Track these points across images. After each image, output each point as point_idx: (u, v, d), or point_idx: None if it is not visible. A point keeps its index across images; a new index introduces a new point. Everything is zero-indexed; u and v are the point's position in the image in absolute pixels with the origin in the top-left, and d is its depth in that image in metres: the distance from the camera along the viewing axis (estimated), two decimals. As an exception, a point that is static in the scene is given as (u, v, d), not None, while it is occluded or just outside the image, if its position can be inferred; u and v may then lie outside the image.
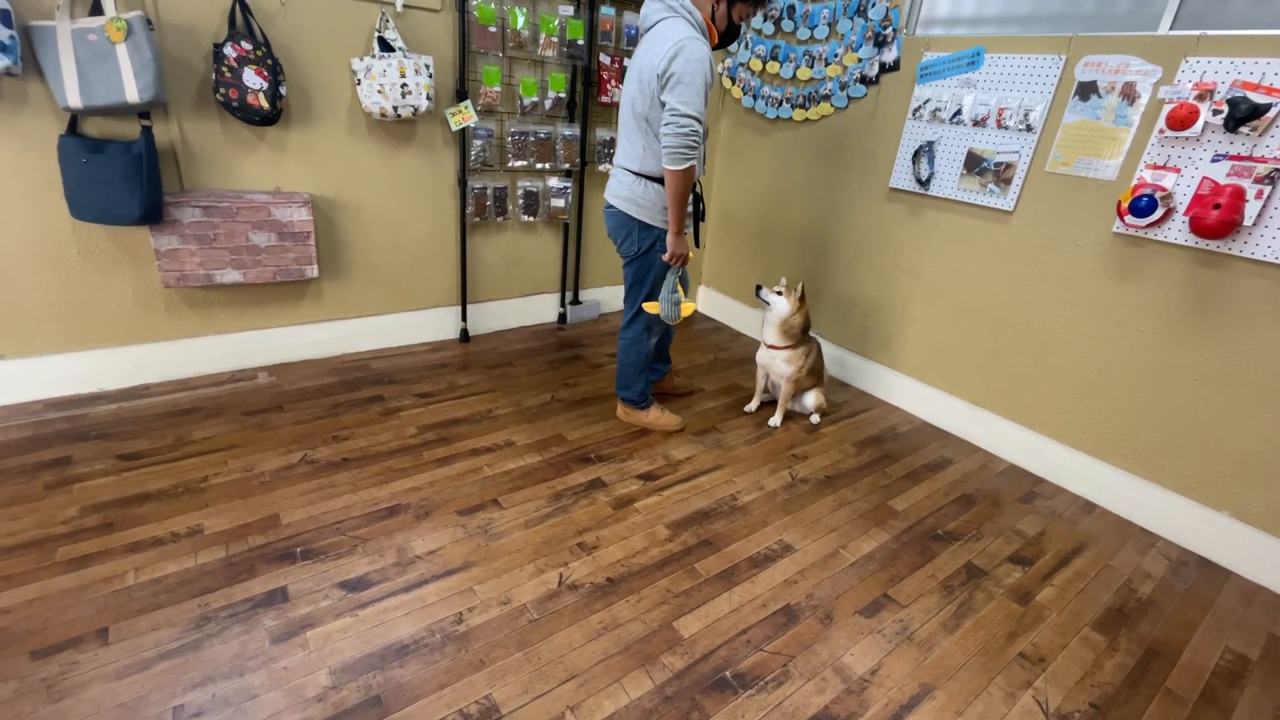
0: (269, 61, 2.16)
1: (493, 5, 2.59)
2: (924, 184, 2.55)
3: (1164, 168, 1.95)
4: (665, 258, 2.09)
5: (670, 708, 1.39)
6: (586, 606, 1.63)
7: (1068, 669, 1.60)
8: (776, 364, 2.52)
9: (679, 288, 2.16)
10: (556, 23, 2.75)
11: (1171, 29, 1.99)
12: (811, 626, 1.64)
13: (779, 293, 2.45)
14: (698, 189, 2.17)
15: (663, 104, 1.87)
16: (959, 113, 2.39)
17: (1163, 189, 1.93)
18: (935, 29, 2.55)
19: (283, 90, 2.21)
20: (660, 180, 2.01)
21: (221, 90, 2.12)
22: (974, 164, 2.39)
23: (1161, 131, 1.93)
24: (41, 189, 2.05)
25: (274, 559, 1.68)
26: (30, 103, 1.97)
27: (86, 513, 1.77)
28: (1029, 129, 2.22)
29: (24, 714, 1.24)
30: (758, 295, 2.50)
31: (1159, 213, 1.94)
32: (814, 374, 2.61)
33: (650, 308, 2.17)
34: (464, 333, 3.13)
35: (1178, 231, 1.95)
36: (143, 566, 1.61)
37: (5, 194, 2.01)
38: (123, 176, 2.00)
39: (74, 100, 1.90)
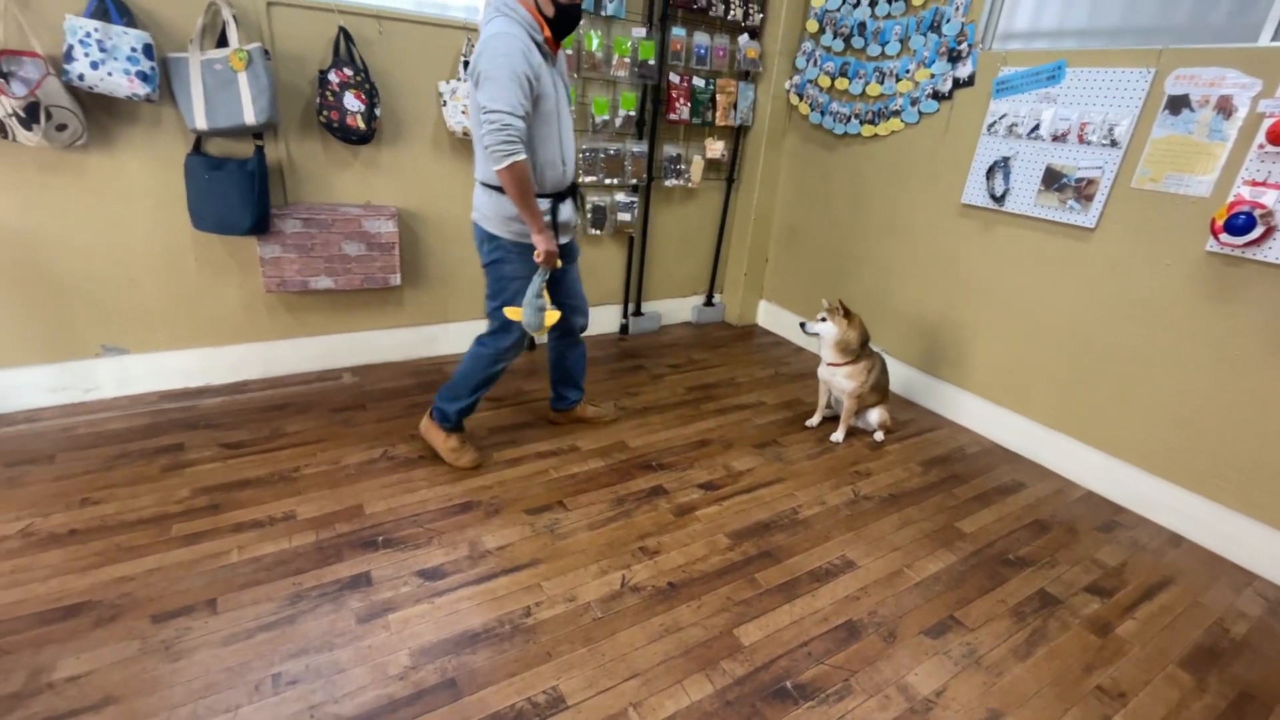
0: (367, 86, 2.34)
1: (570, 29, 2.71)
2: (999, 200, 2.50)
3: (1264, 184, 1.86)
4: (536, 257, 1.90)
5: (731, 712, 1.41)
6: (648, 608, 1.67)
7: (1150, 707, 1.52)
8: (838, 380, 2.51)
9: (545, 293, 1.95)
10: (629, 44, 2.86)
11: (1274, 40, 1.90)
12: (874, 643, 1.63)
13: (823, 319, 2.45)
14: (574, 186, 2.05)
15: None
16: (1037, 127, 2.34)
17: (1262, 206, 1.84)
18: (1014, 43, 2.51)
19: (378, 112, 2.39)
20: (499, 188, 1.85)
21: (324, 113, 2.31)
22: (1053, 180, 2.33)
23: (1261, 146, 1.84)
24: (168, 202, 2.28)
25: (358, 546, 1.80)
26: (163, 125, 2.20)
27: (196, 494, 1.95)
28: (1113, 144, 2.15)
29: (147, 670, 1.38)
30: (804, 330, 2.50)
31: (1258, 231, 1.84)
32: (878, 390, 2.57)
33: (512, 314, 1.96)
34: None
35: (1280, 251, 1.85)
36: (244, 545, 1.76)
37: (139, 206, 2.25)
38: (238, 191, 2.20)
39: (200, 122, 2.11)
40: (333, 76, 2.28)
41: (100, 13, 1.95)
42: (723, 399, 2.88)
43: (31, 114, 1.89)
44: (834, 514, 2.13)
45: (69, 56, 1.92)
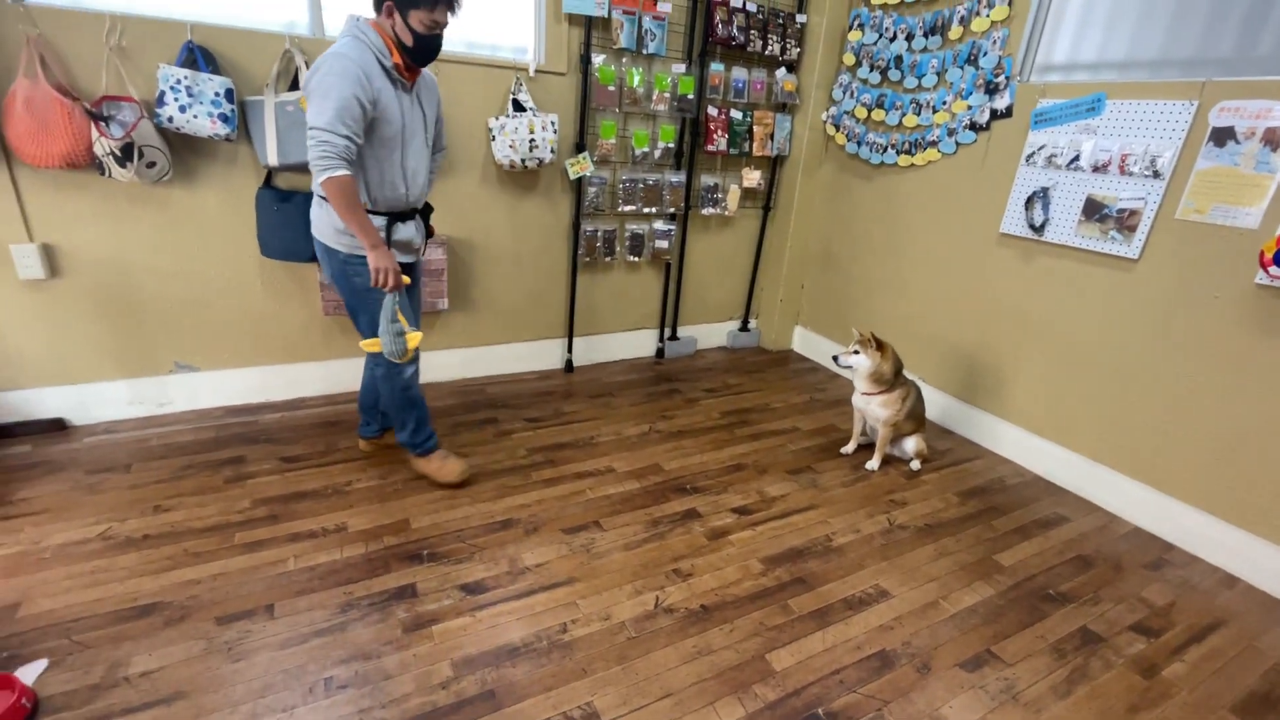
0: (423, 123, 2.49)
1: (612, 67, 2.84)
2: (1038, 230, 2.50)
3: (1316, 216, 1.82)
4: (374, 282, 1.83)
5: (762, 736, 1.43)
6: (681, 630, 1.71)
7: (1200, 753, 1.48)
8: (872, 408, 2.52)
9: (400, 317, 1.87)
10: (669, 79, 2.97)
11: (1323, 71, 1.88)
12: (908, 674, 1.62)
13: (855, 351, 2.45)
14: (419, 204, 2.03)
15: None
16: (1077, 158, 2.34)
17: (1314, 239, 1.80)
18: (1052, 75, 2.52)
19: (432, 147, 2.54)
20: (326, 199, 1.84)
21: (383, 148, 2.46)
22: (1094, 210, 2.32)
23: (1312, 178, 1.81)
24: (239, 232, 2.46)
25: (405, 558, 1.89)
26: (238, 162, 2.39)
27: (257, 505, 2.07)
28: (1156, 175, 2.14)
29: (211, 669, 1.48)
30: (836, 363, 2.51)
31: (1310, 264, 1.80)
32: (914, 418, 2.57)
33: (370, 346, 1.90)
34: (569, 363, 3.35)
35: (1334, 284, 1.80)
36: (300, 554, 1.87)
37: (214, 235, 2.44)
38: (304, 221, 2.35)
39: (273, 159, 2.29)
40: (392, 115, 2.44)
41: (189, 61, 2.15)
42: (757, 424, 2.91)
43: (126, 153, 2.08)
44: (868, 542, 2.13)
45: (161, 101, 2.11)
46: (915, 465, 2.61)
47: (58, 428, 2.41)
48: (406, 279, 1.91)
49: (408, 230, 2.01)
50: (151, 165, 2.16)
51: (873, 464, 2.59)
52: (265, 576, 1.77)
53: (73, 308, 2.32)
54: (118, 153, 2.07)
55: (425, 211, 2.13)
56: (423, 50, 1.82)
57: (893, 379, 2.47)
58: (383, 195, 1.91)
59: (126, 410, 2.52)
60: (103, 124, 2.05)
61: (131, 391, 2.51)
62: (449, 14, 1.79)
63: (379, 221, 1.91)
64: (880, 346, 2.43)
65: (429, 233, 2.18)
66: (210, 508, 2.04)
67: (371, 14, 1.80)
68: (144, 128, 2.11)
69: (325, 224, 1.89)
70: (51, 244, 2.23)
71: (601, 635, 1.67)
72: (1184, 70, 2.18)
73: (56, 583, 1.70)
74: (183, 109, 2.12)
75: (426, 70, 1.97)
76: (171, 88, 2.10)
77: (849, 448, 2.70)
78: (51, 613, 1.60)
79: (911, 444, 2.60)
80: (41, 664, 1.46)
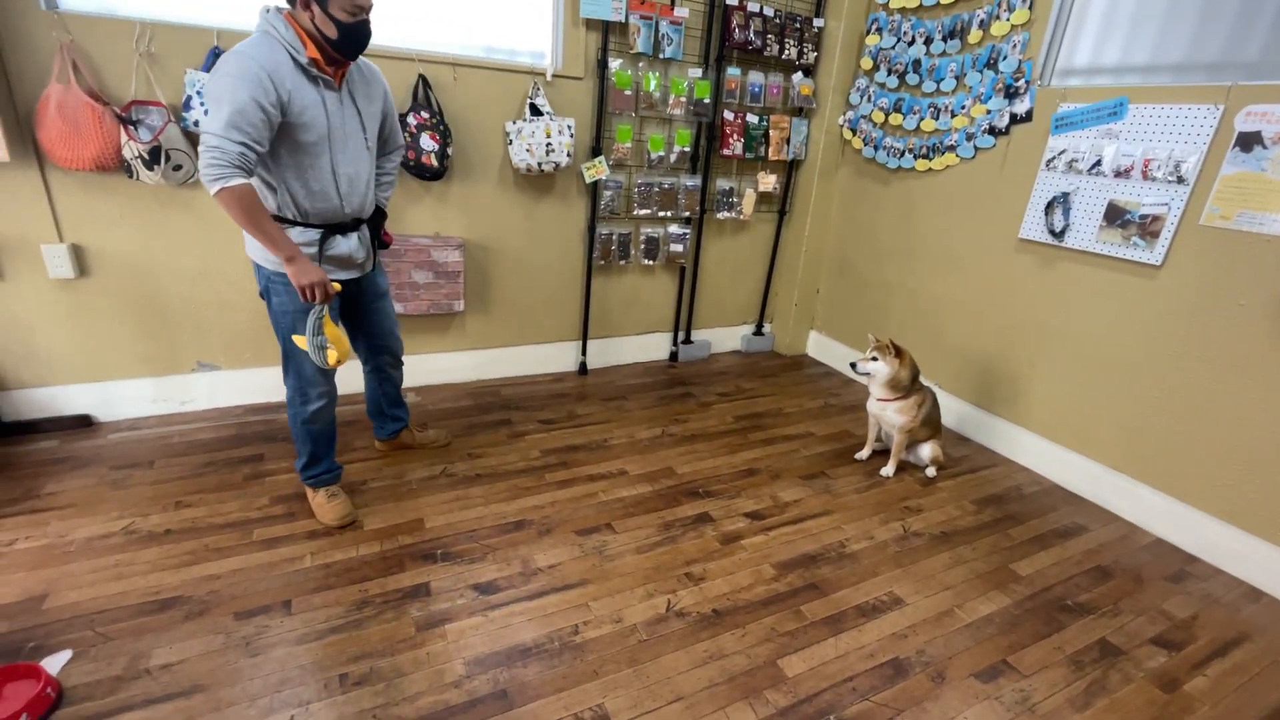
0: (441, 127, 2.52)
1: (629, 71, 2.85)
2: (1058, 235, 2.47)
3: (1346, 223, 1.78)
4: (302, 297, 1.69)
5: (773, 742, 1.42)
6: (693, 634, 1.70)
7: (1222, 770, 1.45)
8: (888, 415, 2.50)
9: (325, 328, 1.73)
10: (686, 84, 2.98)
11: (1354, 75, 1.84)
12: (922, 683, 1.61)
13: (874, 358, 2.41)
14: (365, 212, 1.87)
15: None
16: (1099, 163, 2.31)
17: (1344, 246, 1.76)
18: (1073, 79, 2.49)
19: (450, 151, 2.57)
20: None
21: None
22: (1115, 216, 2.29)
23: (1342, 184, 1.77)
24: (262, 232, 2.50)
25: (419, 558, 1.90)
26: (262, 164, 2.43)
27: (275, 502, 2.10)
28: (1180, 180, 2.11)
29: (230, 663, 1.51)
30: (854, 370, 2.48)
31: (1340, 271, 1.76)
32: (930, 425, 2.54)
33: (299, 341, 1.77)
34: (583, 366, 3.36)
35: (1365, 292, 1.76)
36: (316, 552, 1.89)
37: (237, 238, 2.47)
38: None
39: (294, 162, 2.32)
40: (411, 119, 2.47)
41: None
42: (771, 429, 2.90)
43: (154, 156, 2.13)
44: (882, 549, 2.11)
45: (187, 105, 2.16)
46: (931, 472, 2.59)
47: (84, 424, 2.47)
48: (337, 286, 1.73)
49: (347, 244, 1.82)
50: (178, 168, 2.20)
51: (888, 470, 2.57)
52: (283, 573, 1.80)
53: (100, 307, 2.37)
54: (145, 156, 2.12)
55: (376, 220, 1.94)
56: (349, 41, 1.62)
57: (910, 385, 2.44)
58: (313, 207, 1.73)
59: (150, 408, 2.57)
60: (131, 128, 2.10)
61: (155, 389, 2.56)
62: (370, 2, 1.61)
63: (312, 235, 1.75)
64: (899, 353, 2.41)
65: (383, 243, 2.00)
66: (230, 504, 2.07)
67: (285, 3, 1.61)
68: (171, 131, 2.16)
69: (250, 238, 1.73)
70: (80, 244, 2.28)
71: (613, 637, 1.67)
72: (1209, 74, 2.15)
73: (81, 575, 1.73)
74: (208, 113, 2.16)
75: (365, 61, 1.81)
76: (198, 92, 2.15)
77: (864, 453, 2.69)
78: (76, 605, 1.64)
79: (927, 450, 2.57)
80: (66, 654, 1.49)
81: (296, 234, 1.74)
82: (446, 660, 1.56)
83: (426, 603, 1.73)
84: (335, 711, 1.40)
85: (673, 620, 1.75)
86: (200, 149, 1.52)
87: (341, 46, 1.63)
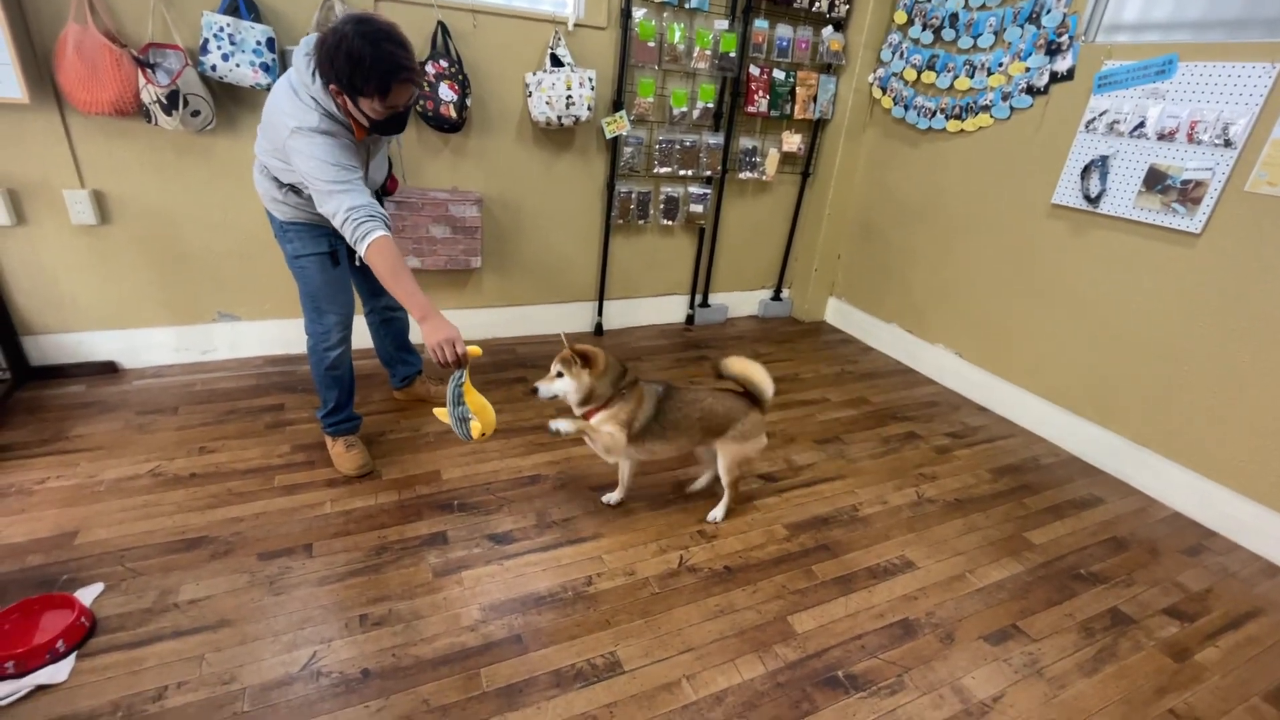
0: (460, 77, 2.47)
1: (653, 21, 2.76)
2: (1093, 201, 2.38)
3: (1403, 190, 1.70)
4: (433, 358, 1.59)
5: (781, 694, 1.45)
6: (704, 589, 1.73)
7: (1228, 737, 1.45)
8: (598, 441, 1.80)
9: (466, 397, 1.64)
10: (711, 36, 2.88)
11: None
12: (930, 643, 1.62)
13: (559, 374, 1.75)
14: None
15: None
16: (1142, 125, 2.21)
17: (1400, 215, 1.68)
18: (1120, 35, 2.37)
19: (468, 102, 2.52)
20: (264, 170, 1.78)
21: (420, 102, 2.45)
22: (1155, 181, 2.20)
23: (1403, 149, 1.68)
24: (280, 183, 2.48)
25: (436, 507, 1.94)
26: (279, 112, 2.40)
27: (295, 450, 2.14)
28: (1227, 144, 2.01)
29: (255, 600, 1.55)
30: (535, 395, 1.78)
31: (1392, 242, 1.69)
32: (708, 431, 1.86)
33: (440, 415, 1.70)
34: (598, 326, 3.35)
35: None
36: (336, 499, 1.93)
37: (249, 189, 2.45)
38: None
39: (312, 110, 2.29)
40: (430, 68, 2.42)
41: (231, 8, 2.15)
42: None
43: (172, 101, 2.11)
44: (895, 514, 2.12)
45: (204, 49, 2.13)
46: (714, 515, 1.99)
47: (109, 370, 2.51)
48: (476, 350, 1.65)
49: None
50: (196, 114, 2.18)
51: (715, 514, 2.00)
52: (304, 518, 1.84)
53: (122, 254, 2.39)
54: (164, 100, 2.10)
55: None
56: (384, 127, 1.62)
57: (613, 392, 1.78)
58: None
59: (173, 356, 2.61)
60: (149, 71, 2.07)
61: (178, 338, 2.59)
62: (411, 92, 1.55)
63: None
64: (588, 361, 1.73)
65: (386, 190, 2.07)
66: (252, 451, 2.11)
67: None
68: (188, 75, 2.13)
69: (264, 189, 1.80)
70: (102, 190, 2.28)
71: (626, 590, 1.70)
72: (1267, 30, 2.03)
73: (111, 514, 1.79)
74: (225, 57, 2.13)
75: None
76: (215, 35, 2.11)
77: (613, 496, 2.03)
78: (106, 541, 1.69)
79: (704, 479, 2.05)
80: (98, 587, 1.54)
81: (307, 203, 1.75)
82: (463, 605, 1.60)
83: (444, 550, 1.77)
84: (356, 649, 1.45)
85: (685, 575, 1.77)
86: (334, 207, 1.56)
87: (376, 131, 1.65)
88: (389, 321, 2.30)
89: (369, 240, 1.56)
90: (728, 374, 1.93)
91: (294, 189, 1.76)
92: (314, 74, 1.53)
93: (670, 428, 1.83)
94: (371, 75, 1.44)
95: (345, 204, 1.55)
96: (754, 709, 1.40)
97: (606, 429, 1.76)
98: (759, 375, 1.90)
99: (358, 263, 1.92)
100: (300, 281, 1.91)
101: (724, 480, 1.95)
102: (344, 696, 1.34)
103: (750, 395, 1.92)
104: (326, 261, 1.88)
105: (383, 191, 2.05)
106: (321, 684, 1.36)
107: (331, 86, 1.51)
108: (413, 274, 1.63)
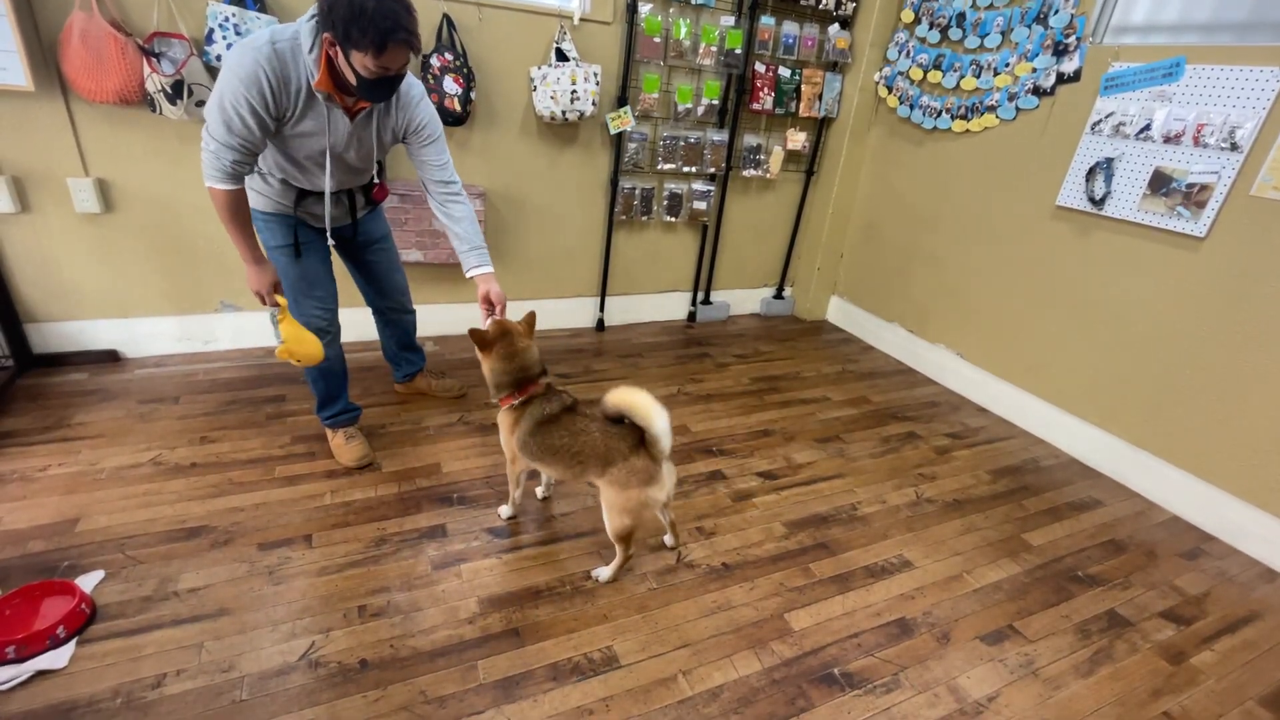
0: (465, 70, 2.46)
1: (659, 17, 2.75)
2: (1098, 203, 2.38)
3: None
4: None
5: (777, 690, 1.45)
6: (702, 585, 1.73)
7: (1223, 740, 1.46)
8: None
9: (280, 326, 1.69)
10: (717, 33, 2.87)
11: None
12: (927, 642, 1.63)
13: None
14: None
15: None
16: (1148, 128, 2.20)
17: (1405, 221, 1.68)
18: (1128, 36, 2.36)
19: (473, 95, 2.51)
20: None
21: (425, 94, 2.45)
22: (1160, 184, 2.19)
23: None
24: (284, 174, 2.48)
25: (436, 500, 1.94)
26: (284, 103, 2.39)
27: (296, 441, 2.14)
28: (1234, 148, 2.01)
29: (254, 589, 1.56)
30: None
31: (1397, 248, 1.68)
32: (584, 465, 1.59)
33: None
34: (600, 322, 3.35)
35: None
36: (336, 490, 1.93)
37: (258, 177, 2.47)
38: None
39: (316, 102, 2.29)
40: (434, 61, 2.42)
41: (237, -1, 2.15)
42: (787, 391, 2.88)
43: (177, 90, 2.11)
44: (894, 514, 2.12)
45: (209, 39, 2.12)
46: (600, 574, 1.69)
47: (111, 359, 2.52)
48: (282, 300, 1.69)
49: (319, 205, 1.79)
50: (201, 104, 2.18)
51: (599, 573, 1.70)
52: (304, 509, 1.84)
53: (126, 243, 2.39)
54: (169, 90, 2.10)
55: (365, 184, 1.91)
56: (369, 91, 1.51)
57: (511, 386, 1.66)
58: (294, 184, 1.74)
59: (175, 346, 2.61)
60: (154, 60, 2.07)
61: (180, 328, 2.59)
62: (407, 56, 1.48)
63: (289, 197, 1.75)
64: (480, 344, 1.68)
65: (374, 200, 1.96)
66: (253, 441, 2.12)
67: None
68: (194, 65, 2.13)
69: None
70: (106, 179, 2.28)
71: (623, 585, 1.70)
72: (1275, 33, 2.02)
73: (112, 502, 1.79)
74: (230, 47, 2.13)
75: (411, 81, 1.71)
76: (220, 25, 2.11)
77: (504, 509, 1.89)
78: (107, 529, 1.70)
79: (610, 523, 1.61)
80: (99, 574, 1.55)
81: (273, 192, 1.74)
82: (461, 598, 1.60)
83: (443, 543, 1.77)
84: (355, 639, 1.46)
85: (683, 571, 1.77)
86: (202, 142, 1.51)
87: (362, 93, 1.53)
88: (394, 322, 2.30)
89: (206, 183, 1.53)
90: (609, 410, 1.54)
91: (261, 175, 1.73)
92: (312, 19, 1.48)
93: (547, 451, 1.60)
94: (369, 28, 1.37)
95: (215, 149, 1.49)
96: (750, 705, 1.41)
97: (502, 428, 1.65)
98: (643, 407, 1.47)
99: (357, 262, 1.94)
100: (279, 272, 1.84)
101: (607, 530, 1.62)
102: (342, 686, 1.35)
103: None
104: (291, 253, 1.81)
105: (368, 198, 1.96)
106: (319, 673, 1.37)
107: (326, 35, 1.43)
108: (247, 222, 1.62)
